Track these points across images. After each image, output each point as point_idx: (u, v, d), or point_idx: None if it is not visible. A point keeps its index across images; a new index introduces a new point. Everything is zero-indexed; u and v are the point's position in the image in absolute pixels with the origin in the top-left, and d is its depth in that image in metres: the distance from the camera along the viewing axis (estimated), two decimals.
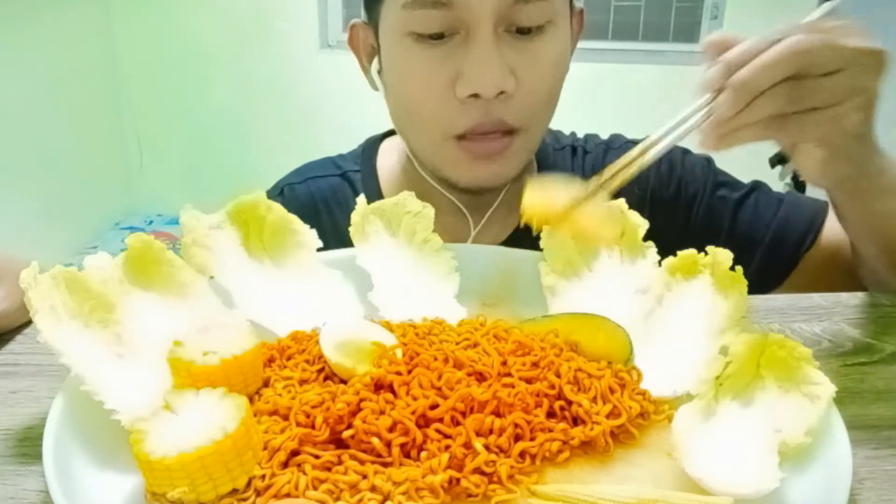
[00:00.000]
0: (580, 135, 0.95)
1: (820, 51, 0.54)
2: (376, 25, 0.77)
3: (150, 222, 3.36)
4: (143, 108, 3.35)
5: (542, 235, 0.64)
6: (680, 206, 0.87)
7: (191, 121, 3.35)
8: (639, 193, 0.84)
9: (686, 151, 0.90)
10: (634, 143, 0.91)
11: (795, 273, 0.83)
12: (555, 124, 0.83)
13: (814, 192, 0.79)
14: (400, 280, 0.63)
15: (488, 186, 0.79)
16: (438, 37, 0.70)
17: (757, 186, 0.87)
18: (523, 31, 0.71)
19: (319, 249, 0.64)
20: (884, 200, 0.67)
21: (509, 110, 0.72)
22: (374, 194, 0.85)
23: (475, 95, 0.70)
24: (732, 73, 0.54)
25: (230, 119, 3.32)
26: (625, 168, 0.60)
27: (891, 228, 0.69)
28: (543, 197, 0.61)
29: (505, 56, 0.70)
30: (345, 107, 3.20)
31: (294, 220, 0.64)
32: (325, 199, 0.87)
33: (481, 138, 0.74)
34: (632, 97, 2.95)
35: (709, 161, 0.90)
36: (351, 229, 0.64)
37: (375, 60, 0.80)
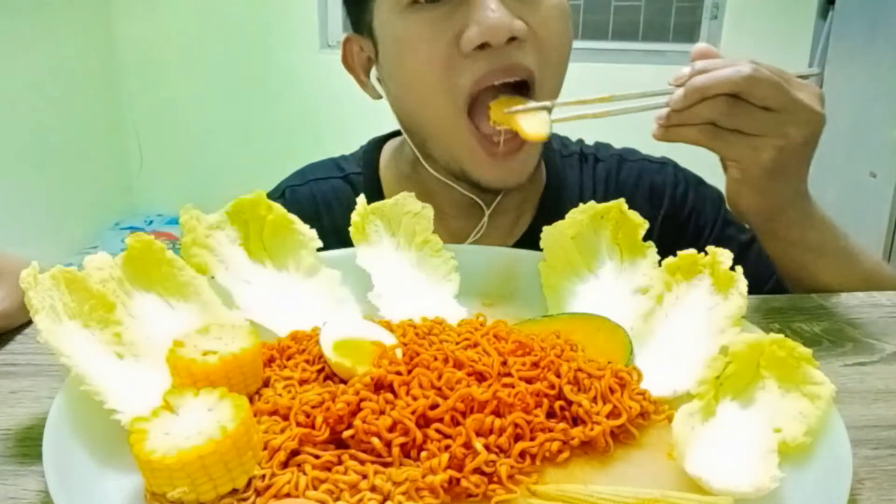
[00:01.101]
0: (588, 141, 0.95)
1: (765, 84, 0.62)
2: (369, 26, 0.76)
3: (150, 222, 3.36)
4: (143, 108, 3.35)
5: (542, 237, 0.65)
6: (689, 231, 0.87)
7: (191, 121, 3.35)
8: (652, 213, 0.84)
9: (700, 182, 0.91)
10: (649, 160, 0.91)
11: None
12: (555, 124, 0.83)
13: None
14: (400, 280, 0.63)
15: (512, 185, 0.77)
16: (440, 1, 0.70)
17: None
18: None
19: (320, 250, 0.64)
20: (795, 251, 0.73)
21: (524, 53, 0.71)
22: (376, 197, 0.85)
23: (483, 46, 0.69)
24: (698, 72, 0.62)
25: (230, 119, 3.32)
26: (574, 105, 0.68)
27: (797, 277, 0.75)
28: (504, 102, 0.71)
29: (509, 6, 0.69)
30: (345, 107, 3.20)
31: (294, 219, 0.64)
32: (327, 201, 0.87)
33: (496, 139, 0.73)
34: None
35: (720, 197, 0.90)
36: (351, 229, 0.64)
37: (373, 70, 0.79)
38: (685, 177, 0.90)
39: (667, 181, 0.89)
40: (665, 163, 0.91)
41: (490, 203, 0.83)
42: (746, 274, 0.84)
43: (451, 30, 0.70)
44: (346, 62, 0.83)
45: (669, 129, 0.64)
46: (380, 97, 0.82)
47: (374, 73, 0.80)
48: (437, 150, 0.78)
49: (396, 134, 0.92)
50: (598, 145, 0.93)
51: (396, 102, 0.79)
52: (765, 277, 0.83)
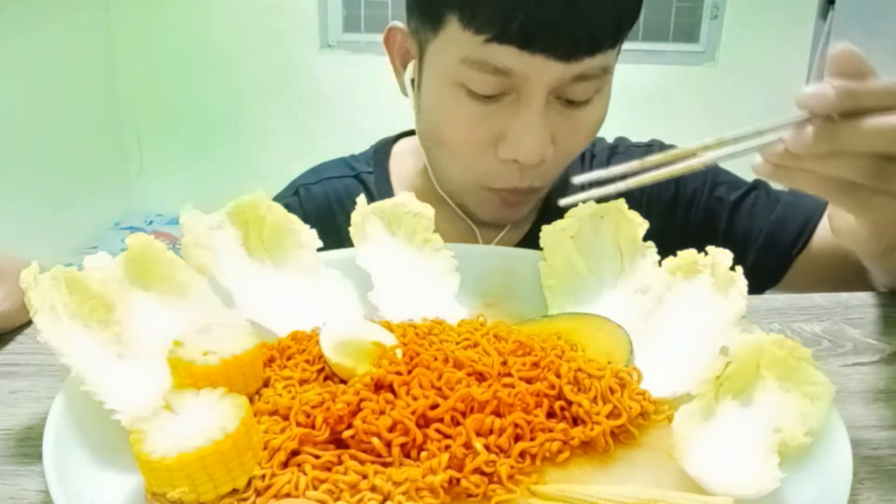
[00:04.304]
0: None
1: None
2: (420, 45, 0.74)
3: (150, 222, 3.36)
4: (143, 108, 3.35)
5: (541, 236, 0.65)
6: (678, 207, 0.87)
7: (191, 121, 3.35)
8: (637, 195, 0.84)
9: None
10: (638, 146, 0.91)
11: (790, 274, 0.83)
12: None
13: None
14: (400, 280, 0.63)
15: (507, 224, 0.80)
16: (490, 98, 0.69)
17: (757, 185, 0.87)
18: (572, 102, 0.70)
19: (320, 249, 0.64)
20: None
21: (540, 174, 0.74)
22: (388, 196, 0.85)
23: (516, 160, 0.71)
24: (845, 106, 0.45)
25: (230, 119, 3.32)
26: (665, 164, 0.51)
27: None
28: None
29: (550, 123, 0.69)
30: (345, 107, 3.21)
31: (294, 219, 0.64)
32: (340, 199, 0.86)
33: (513, 192, 0.75)
34: (632, 97, 2.95)
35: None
36: (351, 229, 0.64)
37: (410, 67, 0.78)
38: None
39: None
40: (651, 144, 0.91)
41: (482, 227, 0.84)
42: (739, 230, 0.85)
43: (493, 130, 0.70)
44: (387, 42, 0.81)
45: (785, 171, 0.49)
46: (405, 95, 0.80)
47: (409, 70, 0.78)
48: (448, 185, 0.81)
49: (406, 134, 0.92)
50: (595, 140, 0.93)
51: (423, 126, 0.80)
52: (756, 233, 0.83)
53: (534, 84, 0.67)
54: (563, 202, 0.55)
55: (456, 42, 0.68)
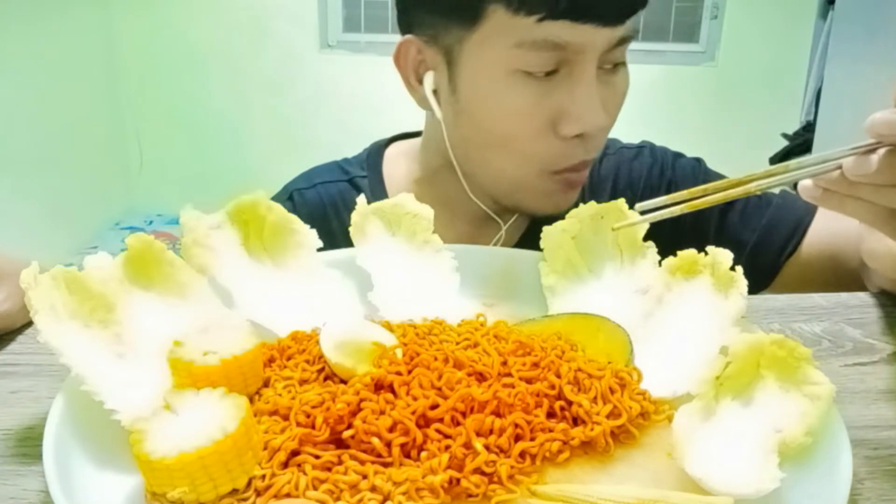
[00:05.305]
0: None
1: None
2: (447, 50, 0.73)
3: (150, 222, 3.36)
4: (143, 108, 3.35)
5: (542, 237, 0.65)
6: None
7: (191, 121, 3.36)
8: (629, 197, 0.85)
9: (677, 155, 0.91)
10: (628, 147, 0.91)
11: (780, 277, 0.83)
12: None
13: None
14: (400, 280, 0.63)
15: (561, 213, 0.79)
16: (550, 73, 0.70)
17: None
18: (608, 69, 0.72)
19: (320, 250, 0.64)
20: None
21: (598, 143, 0.74)
22: (381, 199, 0.85)
23: (579, 135, 0.71)
24: None
25: (230, 119, 3.33)
26: (719, 192, 0.53)
27: None
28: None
29: (600, 92, 0.71)
30: (344, 107, 3.21)
31: (294, 219, 0.64)
32: (335, 203, 0.86)
33: (576, 168, 0.75)
34: (632, 97, 2.95)
35: (699, 161, 0.91)
36: (351, 229, 0.64)
37: (429, 78, 0.76)
38: (661, 155, 0.91)
39: (643, 165, 0.89)
40: (642, 146, 0.92)
41: (507, 219, 0.84)
42: (730, 232, 0.85)
43: (550, 108, 0.71)
44: (398, 61, 0.79)
45: (831, 194, 0.49)
46: (428, 109, 0.79)
47: (428, 82, 0.76)
48: (493, 184, 0.79)
49: (398, 139, 0.92)
50: None
51: (465, 136, 0.77)
52: (747, 236, 0.83)
53: (588, 53, 0.69)
54: (616, 225, 0.61)
55: (504, 30, 0.69)
